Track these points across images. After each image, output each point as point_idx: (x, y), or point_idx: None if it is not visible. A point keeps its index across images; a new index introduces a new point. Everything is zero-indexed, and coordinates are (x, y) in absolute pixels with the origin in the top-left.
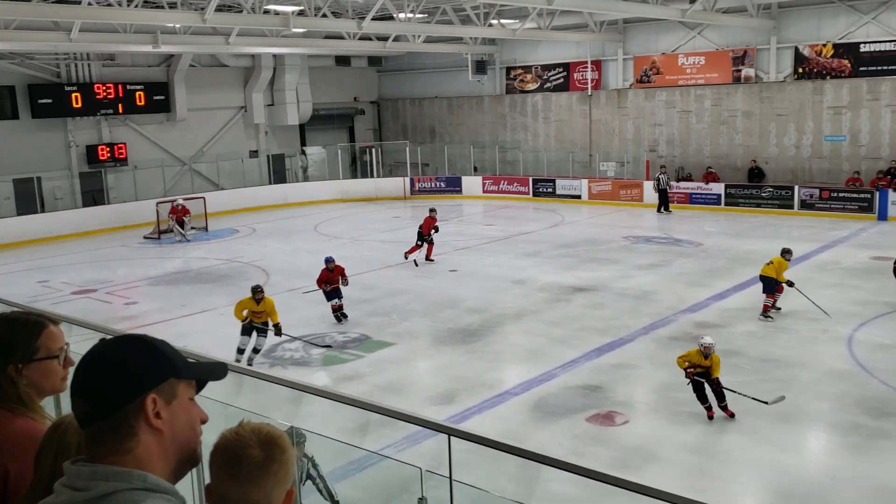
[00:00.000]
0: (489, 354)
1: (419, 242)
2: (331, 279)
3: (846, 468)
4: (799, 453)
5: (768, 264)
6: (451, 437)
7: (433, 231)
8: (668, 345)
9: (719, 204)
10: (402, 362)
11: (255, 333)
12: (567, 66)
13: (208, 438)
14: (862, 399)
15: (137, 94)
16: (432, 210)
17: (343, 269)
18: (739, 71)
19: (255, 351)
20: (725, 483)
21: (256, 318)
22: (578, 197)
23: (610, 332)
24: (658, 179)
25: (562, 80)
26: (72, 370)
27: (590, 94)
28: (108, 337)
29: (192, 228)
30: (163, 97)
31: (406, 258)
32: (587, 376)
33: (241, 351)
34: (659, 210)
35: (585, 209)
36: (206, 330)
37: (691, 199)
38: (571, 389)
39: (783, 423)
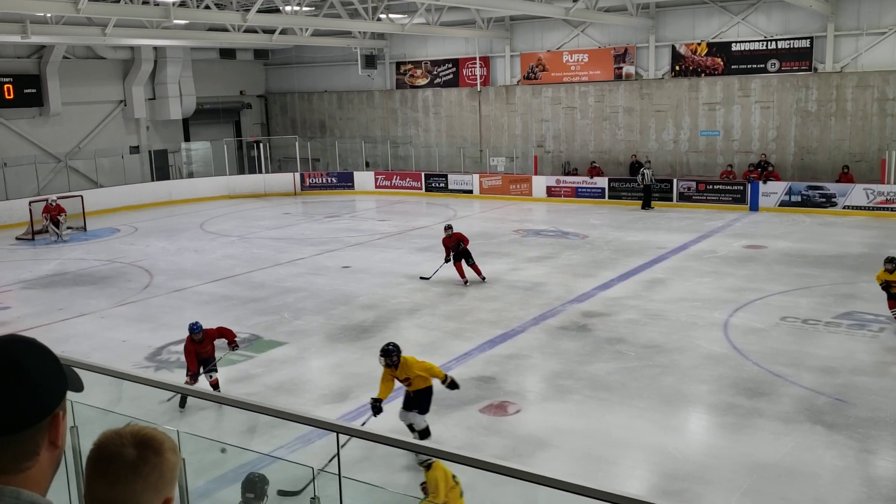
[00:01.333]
0: None
1: (454, 262)
2: (200, 352)
3: (724, 446)
4: (680, 434)
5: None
6: (340, 435)
7: (459, 246)
8: (558, 334)
9: (603, 197)
10: (294, 361)
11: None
12: (456, 62)
13: (89, 445)
14: (737, 381)
15: (6, 86)
16: (447, 228)
17: (230, 332)
18: (621, 68)
19: (414, 431)
20: (613, 466)
21: (407, 385)
22: (470, 192)
23: (502, 324)
24: (643, 174)
25: (451, 75)
26: None
27: (479, 90)
28: None
29: (69, 228)
30: (34, 90)
31: (483, 278)
32: (480, 368)
33: (413, 430)
34: (644, 207)
35: (477, 203)
36: (86, 334)
37: (577, 192)
38: (465, 381)
39: (666, 405)
